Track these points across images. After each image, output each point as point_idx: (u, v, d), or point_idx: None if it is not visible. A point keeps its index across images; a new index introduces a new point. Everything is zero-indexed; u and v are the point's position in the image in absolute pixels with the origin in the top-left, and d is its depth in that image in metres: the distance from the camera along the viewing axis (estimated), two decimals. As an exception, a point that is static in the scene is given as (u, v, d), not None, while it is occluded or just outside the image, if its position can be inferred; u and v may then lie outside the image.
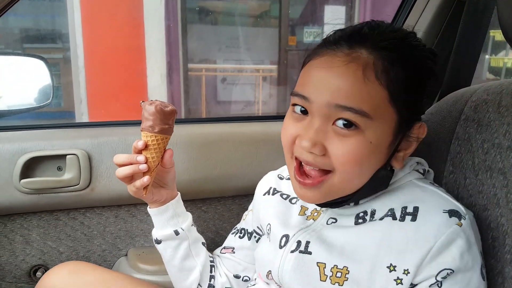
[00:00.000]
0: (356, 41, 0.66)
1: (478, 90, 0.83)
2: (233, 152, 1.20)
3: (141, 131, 0.78)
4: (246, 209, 0.98)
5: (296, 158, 0.69)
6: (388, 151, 0.68)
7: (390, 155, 0.69)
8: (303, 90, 0.68)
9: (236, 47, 4.98)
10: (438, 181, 0.82)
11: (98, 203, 1.16)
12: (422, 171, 0.75)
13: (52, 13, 4.55)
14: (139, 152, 0.78)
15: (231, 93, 5.09)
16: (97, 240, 1.20)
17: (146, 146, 0.78)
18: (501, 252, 0.69)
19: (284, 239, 0.77)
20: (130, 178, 0.80)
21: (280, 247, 0.77)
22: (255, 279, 0.89)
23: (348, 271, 0.68)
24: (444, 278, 0.64)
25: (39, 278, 0.98)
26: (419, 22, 1.18)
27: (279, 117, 1.39)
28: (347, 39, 0.67)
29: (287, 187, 0.88)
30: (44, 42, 4.49)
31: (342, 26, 0.73)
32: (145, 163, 0.78)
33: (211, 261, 0.95)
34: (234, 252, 0.95)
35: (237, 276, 0.94)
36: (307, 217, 0.78)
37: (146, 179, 0.78)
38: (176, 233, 0.88)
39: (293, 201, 0.84)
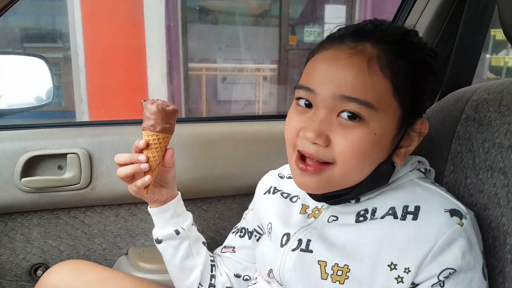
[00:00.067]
0: (361, 36, 0.67)
1: (479, 89, 0.83)
2: (234, 152, 1.20)
3: (143, 130, 0.78)
4: (247, 208, 0.98)
5: (298, 151, 0.69)
6: (391, 145, 0.69)
7: (392, 150, 0.69)
8: (308, 83, 0.68)
9: (236, 46, 4.98)
10: (439, 180, 0.82)
11: (99, 202, 1.16)
12: (423, 170, 0.75)
13: (53, 12, 4.55)
14: (140, 151, 0.78)
15: (232, 93, 5.09)
16: (98, 239, 1.20)
17: (147, 145, 0.78)
18: (502, 251, 0.69)
19: (285, 237, 0.77)
20: (131, 178, 0.80)
21: (281, 245, 0.77)
22: (256, 278, 0.89)
23: (349, 269, 0.68)
24: (446, 278, 0.64)
25: (40, 276, 0.98)
26: (420, 21, 1.17)
27: (280, 117, 1.39)
28: (352, 34, 0.68)
29: (287, 186, 0.88)
30: (44, 41, 4.50)
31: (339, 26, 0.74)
32: (146, 162, 0.78)
33: (212, 261, 0.95)
34: (234, 252, 0.95)
35: (237, 276, 0.94)
36: (308, 215, 0.79)
37: (147, 178, 0.78)
38: (177, 232, 0.88)
39: (294, 199, 0.84)
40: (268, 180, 0.92)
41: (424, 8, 1.16)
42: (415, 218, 0.67)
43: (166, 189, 0.87)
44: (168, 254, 0.90)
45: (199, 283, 0.92)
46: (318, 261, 0.71)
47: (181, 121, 1.43)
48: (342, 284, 0.69)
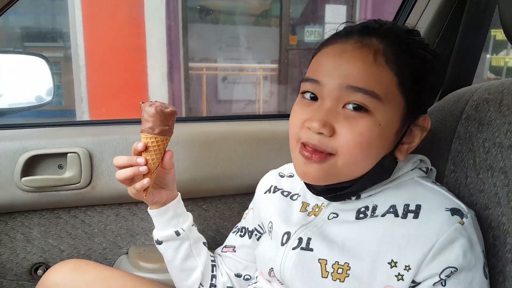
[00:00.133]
0: (366, 32, 0.69)
1: (479, 89, 0.83)
2: (234, 151, 1.20)
3: (141, 132, 0.78)
4: (247, 207, 0.98)
5: (302, 143, 0.69)
6: (395, 139, 0.69)
7: (395, 145, 0.70)
8: (314, 75, 0.69)
9: (236, 46, 4.98)
10: (439, 180, 0.82)
11: (99, 201, 1.16)
12: (424, 170, 0.75)
13: (53, 12, 4.56)
14: (139, 153, 0.78)
15: (232, 92, 5.09)
16: (98, 238, 1.20)
17: (146, 148, 0.77)
18: (502, 251, 0.69)
19: (285, 236, 0.77)
20: (131, 180, 0.80)
21: (282, 244, 0.77)
22: (256, 277, 0.89)
23: (349, 267, 0.69)
24: (448, 276, 0.64)
25: (40, 276, 0.99)
26: (420, 21, 1.17)
27: (280, 116, 1.39)
28: (358, 31, 0.70)
29: (288, 184, 0.88)
30: (45, 40, 4.50)
31: (341, 26, 0.76)
32: (145, 165, 0.77)
33: (212, 261, 0.95)
34: (235, 251, 0.95)
35: (238, 275, 0.94)
36: (309, 213, 0.79)
37: (146, 181, 0.77)
38: (177, 233, 0.88)
39: (294, 197, 0.84)
40: (269, 179, 0.92)
41: (425, 8, 1.16)
42: (416, 216, 0.67)
43: (165, 191, 0.87)
44: (169, 255, 0.90)
45: (200, 283, 0.92)
46: (319, 259, 0.71)
47: (182, 120, 1.44)
48: (343, 282, 0.69)
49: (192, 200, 1.23)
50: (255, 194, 0.94)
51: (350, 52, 0.67)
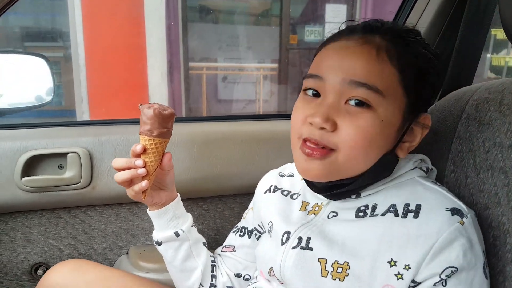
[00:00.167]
0: (369, 30, 0.70)
1: (479, 89, 0.83)
2: (234, 151, 1.20)
3: (140, 135, 0.78)
4: (247, 207, 0.98)
5: (303, 140, 0.69)
6: (396, 136, 0.69)
7: (396, 142, 0.70)
8: (317, 71, 0.70)
9: (237, 45, 4.98)
10: (439, 179, 0.82)
11: (99, 201, 1.16)
12: (425, 169, 0.75)
13: (53, 11, 4.55)
14: (138, 156, 0.78)
15: (232, 92, 5.09)
16: (98, 238, 1.20)
17: (144, 150, 0.77)
18: (502, 251, 0.69)
19: (285, 235, 0.77)
20: (129, 182, 0.79)
21: (282, 243, 0.77)
22: (256, 277, 0.89)
23: (349, 266, 0.69)
24: (449, 276, 0.64)
25: (40, 276, 0.99)
26: (421, 20, 1.17)
27: (280, 116, 1.39)
28: (360, 28, 0.71)
29: (288, 183, 0.88)
30: (45, 40, 4.50)
31: (344, 25, 0.76)
32: (144, 167, 0.77)
33: (212, 261, 0.95)
34: (234, 251, 0.95)
35: (238, 275, 0.94)
36: (308, 212, 0.79)
37: (144, 183, 0.77)
38: (177, 234, 0.88)
39: (294, 196, 0.84)
40: (269, 179, 0.92)
41: (425, 7, 1.16)
42: (416, 216, 0.67)
43: (165, 192, 0.87)
44: (169, 255, 0.90)
45: (200, 284, 0.92)
46: (318, 258, 0.71)
47: (182, 120, 1.43)
48: (342, 281, 0.69)
49: (192, 200, 1.23)
50: (255, 193, 0.94)
51: (353, 48, 0.68)
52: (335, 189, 0.72)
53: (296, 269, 0.74)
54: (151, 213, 0.89)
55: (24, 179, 1.06)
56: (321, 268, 0.71)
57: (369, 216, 0.71)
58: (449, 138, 0.84)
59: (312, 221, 0.77)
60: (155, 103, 0.78)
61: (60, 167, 1.10)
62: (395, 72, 0.67)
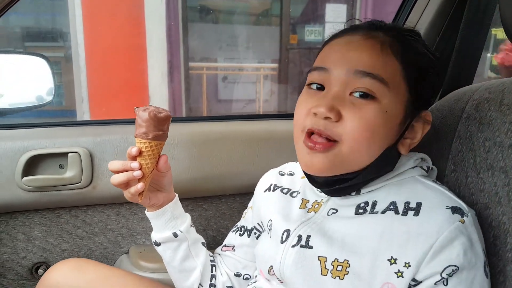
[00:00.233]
0: (373, 27, 0.73)
1: (479, 88, 0.83)
2: (234, 151, 1.20)
3: (135, 137, 0.78)
4: (247, 207, 0.98)
5: (306, 132, 0.70)
6: (398, 130, 0.70)
7: (398, 137, 0.71)
8: (322, 63, 0.71)
9: (237, 45, 4.98)
10: (440, 179, 0.82)
11: (100, 201, 1.17)
12: (426, 168, 0.76)
13: (54, 11, 4.55)
14: (134, 158, 0.78)
15: (232, 92, 5.09)
16: (99, 238, 1.20)
17: (140, 153, 0.77)
18: (503, 250, 0.69)
19: (285, 234, 0.77)
20: (126, 184, 0.79)
21: (282, 242, 0.77)
22: (256, 276, 0.89)
23: (349, 264, 0.69)
24: (450, 275, 0.64)
25: (41, 275, 0.99)
26: (421, 20, 1.17)
27: (280, 116, 1.39)
28: (364, 26, 0.74)
29: (287, 181, 0.88)
30: (45, 40, 4.50)
31: (344, 26, 0.78)
32: (140, 169, 0.77)
33: (212, 261, 0.95)
34: (234, 250, 0.95)
35: (237, 274, 0.94)
36: (308, 209, 0.79)
37: (140, 186, 0.77)
38: (175, 235, 0.88)
39: (294, 194, 0.84)
40: (269, 178, 0.92)
41: (425, 7, 1.16)
42: (416, 214, 0.67)
43: (162, 193, 0.87)
44: (167, 256, 0.90)
45: (200, 284, 0.92)
46: (318, 256, 0.71)
47: (182, 120, 1.44)
48: (342, 279, 0.69)
49: (192, 200, 1.23)
50: (255, 192, 0.94)
51: (357, 42, 0.70)
52: (337, 184, 0.72)
53: (296, 268, 0.74)
54: (149, 214, 0.89)
55: (24, 178, 1.06)
56: (320, 266, 0.71)
57: (369, 213, 0.71)
58: (449, 138, 0.84)
59: (311, 218, 0.77)
60: (151, 105, 0.78)
61: (61, 166, 1.10)
62: (399, 66, 0.68)
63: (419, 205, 0.68)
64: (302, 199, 0.81)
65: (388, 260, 0.66)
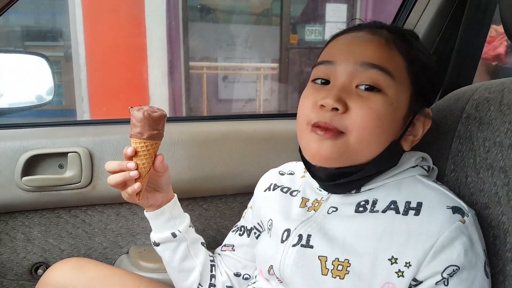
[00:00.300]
0: (376, 26, 0.75)
1: (479, 88, 0.83)
2: (234, 150, 1.20)
3: (130, 137, 0.78)
4: (248, 207, 0.98)
5: (312, 125, 0.70)
6: (402, 124, 0.71)
7: (402, 133, 0.72)
8: (328, 57, 0.72)
9: (237, 45, 4.98)
10: (439, 179, 0.82)
11: (100, 201, 1.17)
12: (426, 168, 0.76)
13: (54, 11, 4.55)
14: (130, 158, 0.78)
15: (232, 91, 5.09)
16: (98, 238, 1.20)
17: (136, 153, 0.77)
18: (502, 250, 0.69)
19: (285, 233, 0.77)
20: (123, 185, 0.79)
21: (282, 241, 0.77)
22: (256, 277, 0.89)
23: (350, 263, 0.68)
24: (451, 275, 0.64)
25: (40, 275, 0.99)
26: (421, 20, 1.17)
27: (280, 116, 1.39)
28: (368, 25, 0.76)
29: (287, 180, 0.88)
30: (45, 40, 4.50)
31: (344, 25, 0.78)
32: (136, 169, 0.77)
33: (212, 260, 0.95)
34: (234, 250, 0.95)
35: (237, 274, 0.94)
36: (308, 208, 0.79)
37: (136, 186, 0.78)
38: (173, 235, 0.88)
39: (294, 193, 0.84)
40: (269, 177, 0.92)
41: (425, 7, 1.16)
42: (417, 213, 0.67)
43: (160, 193, 0.87)
44: (166, 256, 0.90)
45: (199, 283, 0.92)
46: (319, 256, 0.71)
47: (182, 120, 1.44)
48: (343, 279, 0.68)
49: (192, 200, 1.23)
50: (255, 192, 0.94)
51: (363, 37, 0.72)
52: (341, 177, 0.72)
53: (297, 267, 0.73)
54: (147, 214, 0.89)
55: (24, 178, 1.06)
56: (321, 266, 0.71)
57: (369, 211, 0.71)
58: (449, 138, 0.84)
59: (312, 217, 0.76)
60: (145, 105, 0.78)
61: (61, 166, 1.10)
62: (403, 61, 0.70)
63: (419, 204, 0.68)
64: (302, 198, 0.81)
65: (389, 259, 0.66)
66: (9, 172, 1.06)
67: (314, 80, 0.73)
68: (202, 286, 0.92)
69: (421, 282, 0.66)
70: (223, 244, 0.98)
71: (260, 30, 5.16)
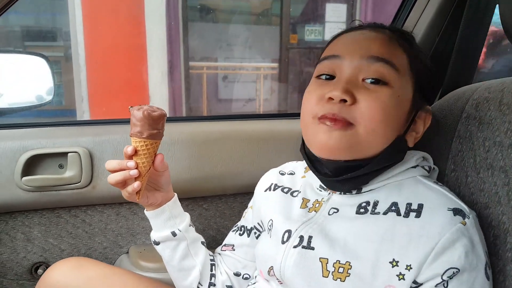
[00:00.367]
0: (378, 26, 0.77)
1: (479, 88, 0.83)
2: (235, 150, 1.20)
3: (130, 136, 0.78)
4: (248, 206, 0.98)
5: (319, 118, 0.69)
6: (407, 119, 0.72)
7: (407, 127, 0.73)
8: (333, 51, 0.73)
9: (237, 45, 4.98)
10: (440, 179, 0.82)
11: (100, 201, 1.17)
12: (427, 168, 0.76)
13: (53, 11, 4.55)
14: (130, 157, 0.78)
15: (232, 91, 5.09)
16: (98, 238, 1.20)
17: (136, 152, 0.77)
18: (503, 250, 0.69)
19: (286, 234, 0.77)
20: (123, 184, 0.80)
21: (283, 242, 0.77)
22: (256, 277, 0.89)
23: (351, 266, 0.68)
24: (450, 278, 0.64)
25: (40, 275, 0.99)
26: (420, 20, 1.17)
27: (280, 115, 1.39)
28: (369, 24, 0.77)
29: (288, 180, 0.88)
30: (45, 40, 4.49)
31: (344, 25, 0.79)
32: (136, 168, 0.78)
33: (212, 260, 0.95)
34: (234, 250, 0.95)
35: (237, 274, 0.94)
36: (309, 209, 0.78)
37: (136, 185, 0.78)
38: (173, 234, 0.88)
39: (295, 194, 0.84)
40: (269, 177, 0.92)
41: (425, 7, 1.16)
42: (418, 215, 0.67)
43: (160, 192, 0.87)
44: (166, 255, 0.91)
45: (199, 282, 0.92)
46: (320, 258, 0.71)
47: (182, 119, 1.44)
48: (343, 281, 0.68)
49: (192, 200, 1.23)
50: (255, 192, 0.94)
51: (367, 33, 0.73)
52: (348, 171, 0.71)
53: (297, 268, 0.73)
54: (148, 213, 0.89)
55: (24, 178, 1.06)
56: (322, 268, 0.71)
57: (370, 213, 0.71)
58: (449, 138, 0.84)
59: (312, 218, 0.76)
60: (145, 105, 0.79)
61: (60, 166, 1.10)
62: (406, 58, 0.72)
63: (420, 206, 0.68)
64: (303, 199, 0.81)
65: (390, 262, 0.66)
66: (9, 172, 1.06)
67: (318, 76, 0.73)
68: (202, 285, 0.92)
69: (421, 284, 0.65)
70: (223, 243, 0.98)
71: (260, 30, 5.15)
